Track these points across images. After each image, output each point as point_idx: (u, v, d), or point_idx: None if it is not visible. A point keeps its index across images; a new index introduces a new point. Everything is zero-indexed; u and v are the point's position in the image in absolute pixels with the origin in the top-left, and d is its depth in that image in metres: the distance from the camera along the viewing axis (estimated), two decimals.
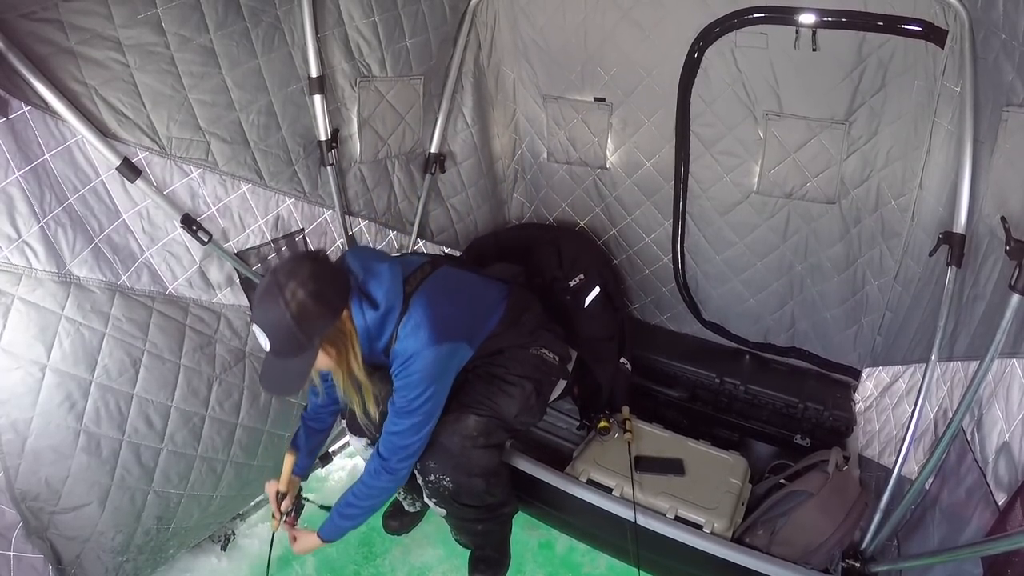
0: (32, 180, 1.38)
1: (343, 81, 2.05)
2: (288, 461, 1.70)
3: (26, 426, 1.45)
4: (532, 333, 1.80)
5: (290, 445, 1.76)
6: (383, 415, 1.59)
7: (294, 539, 1.70)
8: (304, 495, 1.79)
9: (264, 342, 1.34)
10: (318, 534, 1.64)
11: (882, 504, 1.67)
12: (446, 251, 2.70)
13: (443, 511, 1.79)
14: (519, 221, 2.99)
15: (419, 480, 1.71)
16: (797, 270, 2.38)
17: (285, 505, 1.71)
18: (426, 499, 1.78)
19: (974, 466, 1.38)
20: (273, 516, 1.71)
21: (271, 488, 1.72)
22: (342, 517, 1.62)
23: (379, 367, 1.57)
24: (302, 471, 1.78)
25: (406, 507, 2.15)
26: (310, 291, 1.32)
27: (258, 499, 2.23)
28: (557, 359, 1.83)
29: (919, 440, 1.70)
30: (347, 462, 2.54)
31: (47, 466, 1.50)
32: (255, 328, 1.35)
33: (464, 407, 1.68)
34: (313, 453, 1.82)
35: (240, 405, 1.91)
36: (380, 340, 1.48)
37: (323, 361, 1.42)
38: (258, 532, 2.25)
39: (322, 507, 1.74)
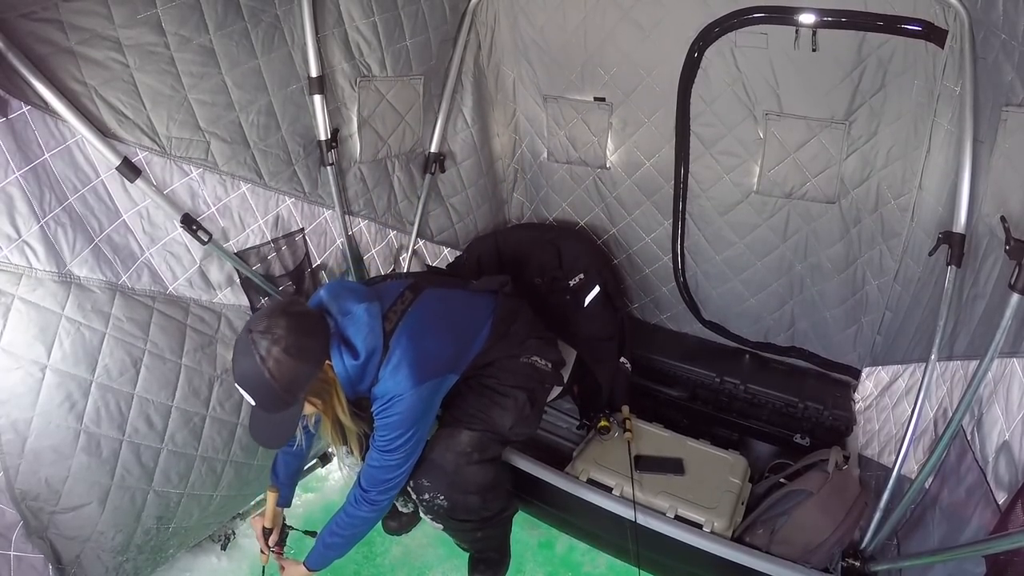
0: (32, 180, 1.37)
1: (343, 81, 2.05)
2: (271, 498, 1.69)
3: (26, 426, 1.45)
4: (522, 343, 1.77)
5: (271, 480, 1.74)
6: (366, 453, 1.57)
7: (283, 569, 1.69)
8: (287, 524, 1.78)
9: (248, 399, 1.33)
10: (305, 564, 1.63)
11: (882, 503, 1.67)
12: (446, 252, 2.71)
13: (440, 526, 1.77)
14: (519, 221, 2.99)
15: (414, 497, 1.70)
16: (797, 270, 2.38)
17: (272, 539, 1.71)
18: (422, 515, 1.77)
19: (974, 465, 1.38)
20: (261, 552, 1.72)
21: (257, 524, 1.72)
22: (326, 547, 1.60)
23: (364, 405, 1.55)
24: (285, 501, 1.77)
25: (400, 508, 2.15)
26: (287, 347, 1.28)
27: (258, 498, 2.23)
28: (550, 365, 1.81)
29: (919, 439, 1.70)
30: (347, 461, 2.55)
31: (47, 466, 1.50)
32: (237, 386, 1.33)
33: (457, 422, 1.66)
34: (293, 480, 1.80)
35: (241, 405, 1.91)
36: (362, 384, 1.46)
37: (308, 410, 1.43)
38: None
39: (306, 532, 1.74)
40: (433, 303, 1.61)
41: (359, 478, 1.55)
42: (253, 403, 1.33)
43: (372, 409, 1.49)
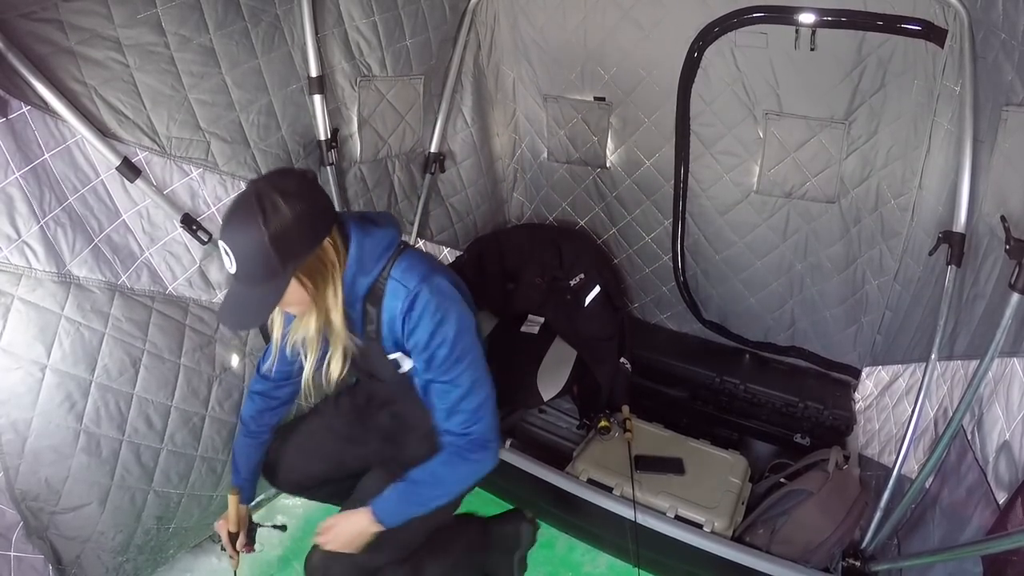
0: (32, 180, 1.37)
1: (343, 81, 2.05)
2: (233, 501, 1.56)
3: (26, 426, 1.45)
4: None
5: (232, 481, 1.62)
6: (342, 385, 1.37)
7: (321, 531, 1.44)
8: (255, 521, 1.69)
9: (230, 263, 1.14)
10: (372, 509, 1.35)
11: (882, 503, 1.67)
12: (446, 252, 2.71)
13: None
14: (519, 221, 2.99)
15: None
16: (797, 269, 2.39)
17: (240, 541, 1.62)
18: None
19: (974, 465, 1.38)
20: (231, 557, 1.64)
21: (222, 529, 1.60)
22: (408, 503, 1.35)
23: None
24: (248, 498, 1.64)
25: None
26: (294, 207, 1.12)
27: (259, 499, 2.23)
28: None
29: (919, 439, 1.70)
30: None
31: (47, 466, 1.50)
32: (222, 245, 1.13)
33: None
34: (255, 476, 1.64)
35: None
36: (369, 273, 1.27)
37: (296, 295, 1.19)
38: (258, 532, 2.24)
39: (275, 527, 1.70)
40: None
41: (447, 431, 1.32)
42: (233, 269, 1.14)
43: (402, 330, 1.28)
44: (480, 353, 1.33)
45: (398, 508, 1.37)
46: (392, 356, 1.36)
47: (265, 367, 1.52)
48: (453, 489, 1.39)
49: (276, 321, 1.33)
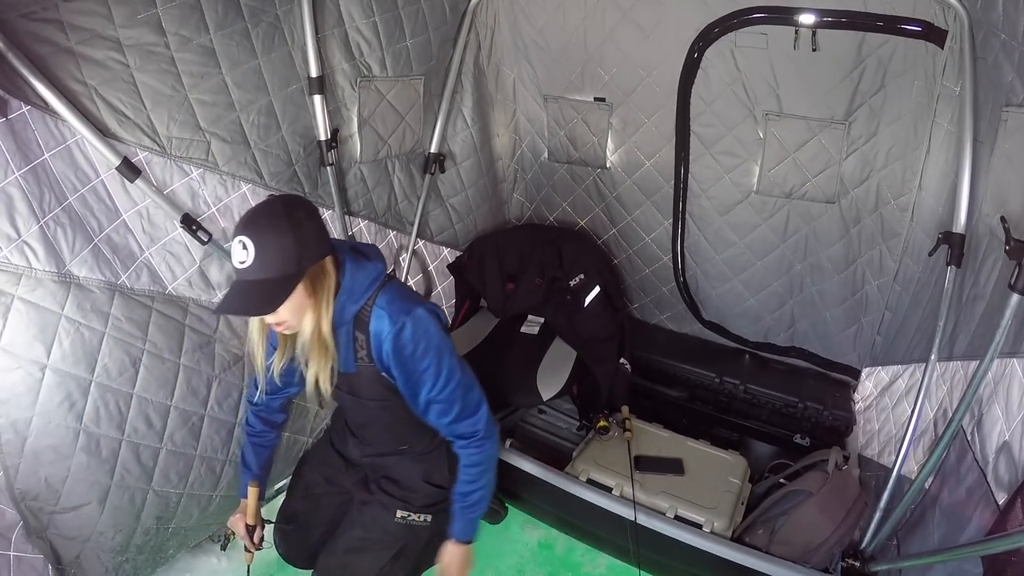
0: (32, 180, 1.37)
1: (343, 81, 2.05)
2: (253, 494, 1.61)
3: (26, 426, 1.45)
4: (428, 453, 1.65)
5: (250, 478, 1.64)
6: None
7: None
8: (264, 518, 1.70)
9: (245, 255, 1.18)
10: (458, 540, 1.51)
11: (882, 503, 1.67)
12: (446, 252, 2.71)
13: None
14: (519, 221, 2.99)
15: None
16: (797, 270, 2.39)
17: (258, 535, 1.64)
18: None
19: (974, 465, 1.38)
20: (247, 550, 1.65)
21: (239, 524, 1.63)
22: (474, 510, 1.50)
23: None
24: (263, 495, 1.69)
25: None
26: (311, 218, 1.27)
27: None
28: (428, 519, 1.64)
29: (919, 439, 1.70)
30: None
31: (47, 466, 1.50)
32: (239, 240, 1.18)
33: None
34: (267, 472, 1.71)
35: (239, 404, 1.91)
36: (357, 302, 1.36)
37: (297, 299, 1.25)
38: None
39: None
40: None
41: (455, 434, 1.46)
42: (249, 261, 1.18)
43: (381, 355, 1.38)
44: (461, 362, 1.45)
45: (471, 520, 1.53)
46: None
47: (256, 400, 1.60)
48: (492, 472, 1.52)
49: (258, 352, 1.40)
